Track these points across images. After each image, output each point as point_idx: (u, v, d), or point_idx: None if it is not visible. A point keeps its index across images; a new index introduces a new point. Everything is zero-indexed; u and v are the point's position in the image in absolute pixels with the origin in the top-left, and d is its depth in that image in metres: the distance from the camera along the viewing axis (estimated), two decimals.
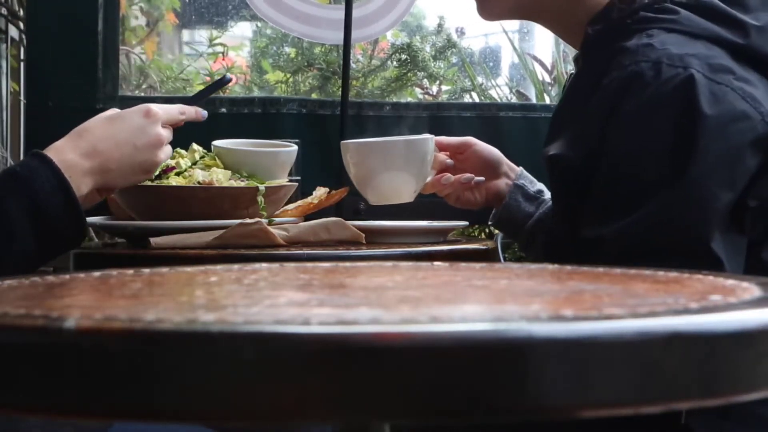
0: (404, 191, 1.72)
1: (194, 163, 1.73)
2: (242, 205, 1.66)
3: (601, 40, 1.44)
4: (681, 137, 1.29)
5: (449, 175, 1.74)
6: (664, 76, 1.31)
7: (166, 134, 1.51)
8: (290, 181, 1.79)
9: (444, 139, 1.76)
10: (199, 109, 1.60)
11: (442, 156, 1.74)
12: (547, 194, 1.74)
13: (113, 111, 1.50)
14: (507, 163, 1.78)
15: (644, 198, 1.29)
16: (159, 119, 1.49)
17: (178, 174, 1.69)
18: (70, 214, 1.36)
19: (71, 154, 1.40)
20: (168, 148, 1.52)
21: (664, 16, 1.39)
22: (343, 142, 1.78)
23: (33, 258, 1.36)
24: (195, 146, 1.77)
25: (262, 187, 1.67)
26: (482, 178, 1.75)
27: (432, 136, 1.71)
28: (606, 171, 1.34)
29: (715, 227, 1.28)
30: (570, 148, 1.39)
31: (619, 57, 1.36)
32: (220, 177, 1.70)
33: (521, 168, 1.79)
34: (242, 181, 1.71)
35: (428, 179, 1.73)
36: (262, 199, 1.67)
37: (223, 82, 1.79)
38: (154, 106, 1.50)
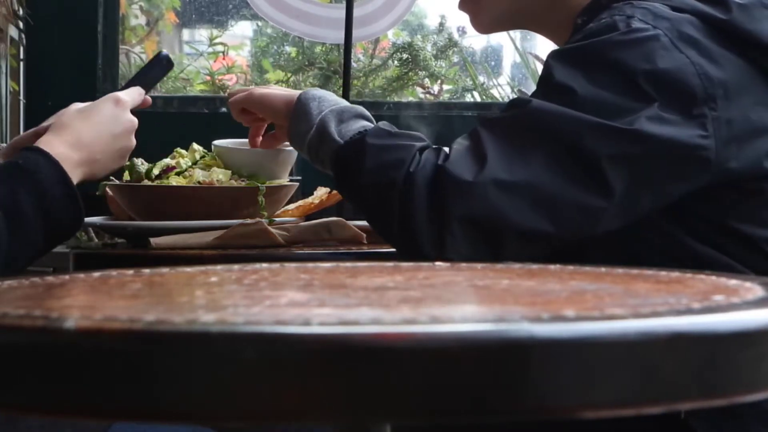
0: None
1: (194, 163, 1.73)
2: (242, 205, 1.66)
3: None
4: (630, 81, 1.30)
5: None
6: (633, 26, 1.32)
7: (135, 119, 1.55)
8: (291, 181, 1.79)
9: None
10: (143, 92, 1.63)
11: None
12: None
13: (80, 104, 1.54)
14: None
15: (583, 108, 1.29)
16: (128, 106, 1.54)
17: (178, 174, 1.69)
18: (70, 205, 1.39)
19: (61, 147, 1.43)
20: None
21: None
22: None
23: (39, 251, 1.39)
24: (195, 146, 1.77)
25: (262, 187, 1.67)
26: None
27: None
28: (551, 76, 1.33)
29: (625, 160, 1.28)
30: None
31: (600, 15, 1.38)
32: (221, 177, 1.70)
33: None
34: (242, 181, 1.71)
35: None
36: (263, 199, 1.66)
37: (159, 60, 1.78)
38: (121, 94, 1.55)
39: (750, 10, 1.39)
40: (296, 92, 1.53)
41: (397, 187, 1.29)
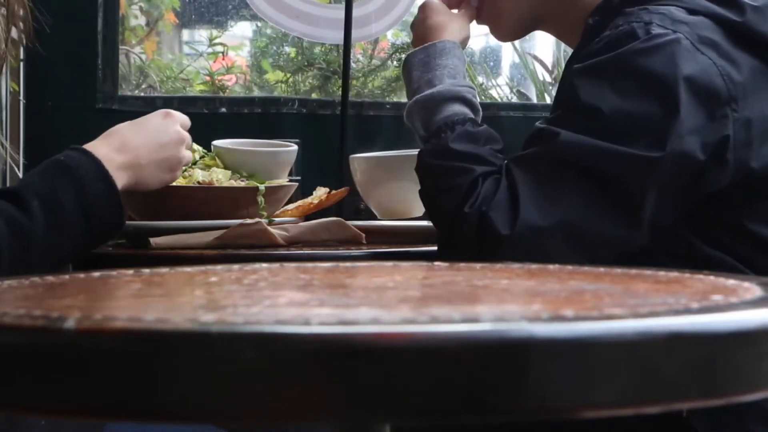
0: (414, 206, 1.72)
1: (194, 163, 1.73)
2: (242, 205, 1.66)
3: (601, 26, 1.44)
4: (659, 87, 1.30)
5: None
6: (653, 33, 1.33)
7: (186, 134, 1.57)
8: (290, 181, 1.79)
9: None
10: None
11: None
12: None
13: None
14: None
15: (610, 128, 1.30)
16: (177, 120, 1.57)
17: None
18: (111, 203, 1.41)
19: (105, 149, 1.45)
20: (189, 151, 1.60)
21: None
22: (351, 156, 1.77)
23: (80, 246, 1.41)
24: (195, 146, 1.77)
25: (262, 187, 1.67)
26: None
27: None
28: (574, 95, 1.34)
29: (655, 185, 1.29)
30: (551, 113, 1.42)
31: (616, 21, 1.39)
32: (220, 177, 1.70)
33: None
34: (242, 181, 1.71)
35: None
36: (262, 199, 1.67)
37: None
38: (172, 111, 1.59)
39: (764, 12, 1.39)
40: (434, 32, 1.58)
41: (447, 216, 1.34)
